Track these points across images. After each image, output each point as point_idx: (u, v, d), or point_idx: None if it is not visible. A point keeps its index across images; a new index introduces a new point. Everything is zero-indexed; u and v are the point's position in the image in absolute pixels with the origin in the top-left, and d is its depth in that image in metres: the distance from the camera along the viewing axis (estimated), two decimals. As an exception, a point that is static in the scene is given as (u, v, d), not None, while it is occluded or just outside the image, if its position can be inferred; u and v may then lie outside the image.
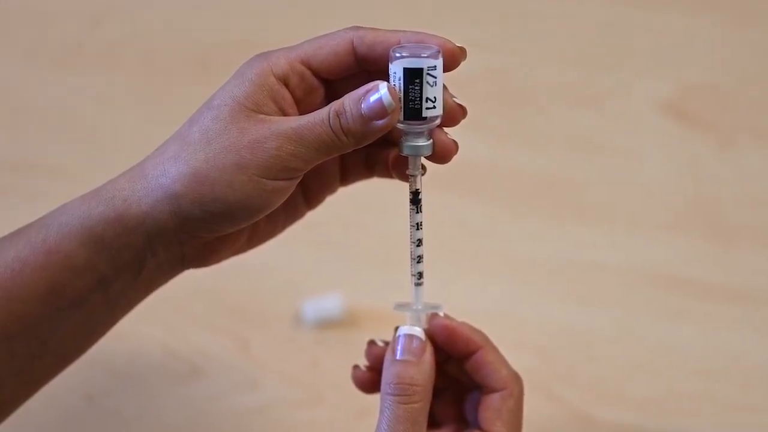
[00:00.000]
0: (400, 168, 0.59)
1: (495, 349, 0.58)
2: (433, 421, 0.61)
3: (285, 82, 0.55)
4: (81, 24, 1.07)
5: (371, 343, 0.60)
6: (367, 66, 0.55)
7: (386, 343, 0.59)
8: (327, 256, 0.87)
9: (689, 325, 0.83)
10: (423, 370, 0.55)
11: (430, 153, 0.55)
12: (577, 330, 0.83)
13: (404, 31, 0.54)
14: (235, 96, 0.54)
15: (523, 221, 0.90)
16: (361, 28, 0.55)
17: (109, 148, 0.95)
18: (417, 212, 0.57)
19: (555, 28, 1.07)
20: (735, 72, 1.03)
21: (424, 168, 0.57)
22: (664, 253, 0.88)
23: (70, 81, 1.02)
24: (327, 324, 0.82)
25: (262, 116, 0.53)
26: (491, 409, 0.56)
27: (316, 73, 0.55)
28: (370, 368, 0.60)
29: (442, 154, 0.56)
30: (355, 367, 0.60)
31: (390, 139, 0.59)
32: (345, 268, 0.87)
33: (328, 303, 0.83)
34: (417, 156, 0.55)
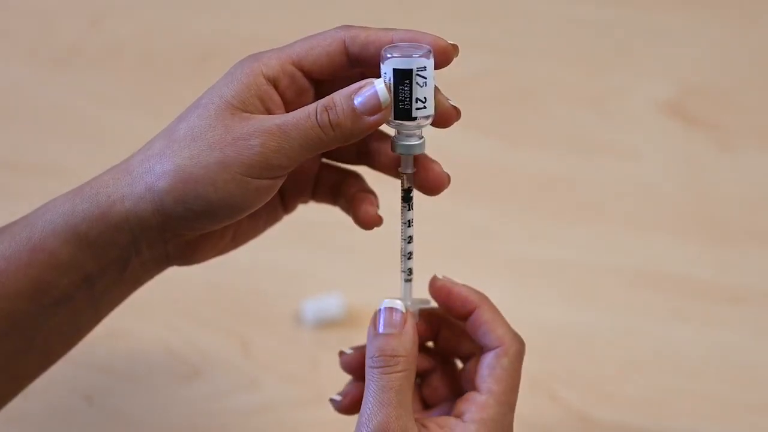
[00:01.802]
0: (358, 206, 0.60)
1: (493, 309, 0.58)
2: (424, 405, 0.61)
3: (275, 83, 0.55)
4: (81, 24, 1.07)
5: (341, 354, 0.61)
6: (359, 65, 0.55)
7: (355, 350, 0.60)
8: (327, 256, 0.87)
9: (689, 325, 0.83)
10: (405, 341, 0.55)
11: (422, 152, 0.55)
12: (577, 330, 0.83)
13: (396, 29, 0.54)
14: (222, 95, 0.54)
15: (523, 221, 0.90)
16: (352, 27, 0.55)
17: (108, 148, 0.95)
18: (408, 210, 0.57)
19: (555, 28, 1.07)
20: (735, 72, 1.03)
21: (411, 191, 0.57)
22: (664, 253, 0.88)
23: (70, 81, 1.02)
24: (327, 324, 0.82)
25: (247, 114, 0.53)
26: (485, 367, 0.56)
27: (307, 73, 0.55)
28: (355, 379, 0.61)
29: (432, 186, 0.57)
30: (341, 353, 0.61)
31: (356, 187, 0.60)
32: (345, 268, 0.87)
33: (328, 303, 0.83)
34: (409, 155, 0.55)
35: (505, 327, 0.57)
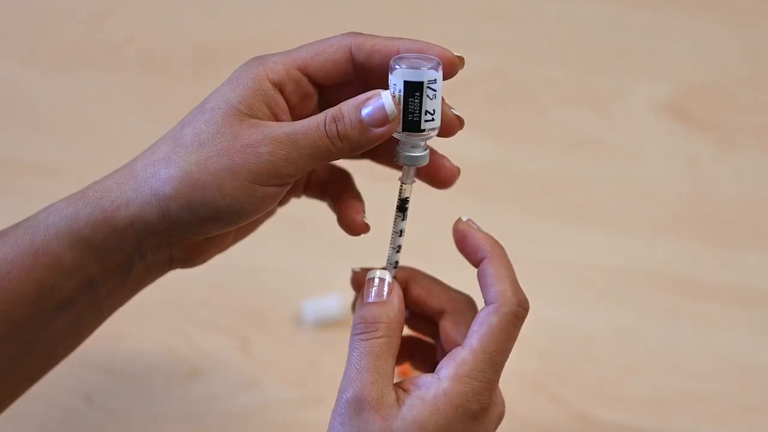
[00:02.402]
0: (345, 211, 0.59)
1: (500, 264, 0.56)
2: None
3: (280, 88, 0.54)
4: (81, 24, 1.07)
5: (354, 272, 0.60)
6: (364, 73, 0.55)
7: (363, 269, 0.59)
8: (327, 256, 0.87)
9: (689, 325, 0.83)
10: (388, 308, 0.55)
11: (425, 163, 0.55)
12: (577, 330, 0.83)
13: (403, 39, 0.54)
14: (228, 100, 0.53)
15: (523, 221, 0.90)
16: (360, 34, 0.55)
17: (109, 148, 0.95)
18: (402, 219, 0.57)
19: (555, 28, 1.07)
20: (735, 72, 1.03)
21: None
22: (663, 253, 0.88)
23: (70, 81, 1.02)
24: (327, 324, 0.82)
25: (255, 120, 0.53)
26: (476, 322, 0.54)
27: (312, 79, 0.55)
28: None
29: (444, 180, 0.57)
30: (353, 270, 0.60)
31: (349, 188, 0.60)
32: (345, 268, 0.87)
33: (328, 303, 0.82)
34: (413, 166, 0.55)
35: (506, 285, 0.55)
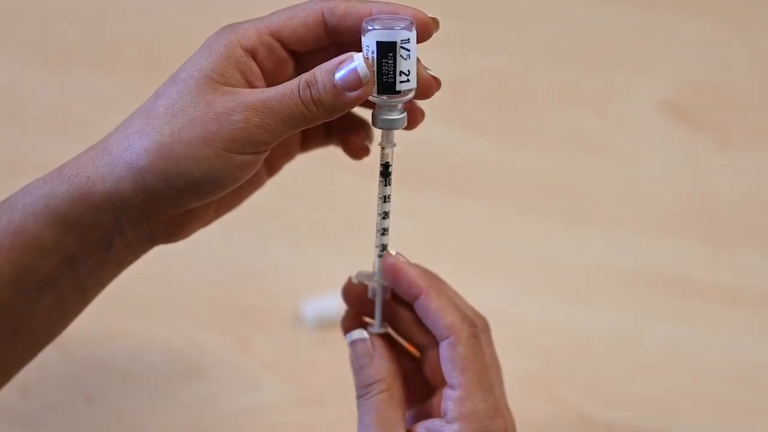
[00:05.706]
0: (346, 136, 0.59)
1: (440, 295, 0.56)
2: (428, 386, 0.60)
3: (253, 54, 0.54)
4: (81, 24, 1.07)
5: (349, 281, 0.60)
6: (337, 38, 0.54)
7: (360, 282, 0.60)
8: (327, 256, 0.87)
9: (689, 326, 0.83)
10: (378, 365, 0.56)
11: (404, 126, 0.54)
12: (578, 330, 0.83)
13: (375, 1, 0.54)
14: (201, 68, 0.53)
15: (523, 221, 0.90)
16: None
17: (109, 148, 0.95)
18: (386, 185, 0.57)
19: (555, 28, 1.07)
20: (735, 72, 1.03)
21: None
22: (664, 253, 0.88)
23: (70, 81, 1.02)
24: (327, 324, 0.82)
25: (229, 88, 0.53)
26: (445, 361, 0.55)
27: (285, 45, 0.55)
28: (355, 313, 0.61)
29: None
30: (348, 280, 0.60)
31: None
32: (345, 268, 0.87)
33: (328, 303, 0.82)
34: (391, 129, 0.55)
35: (453, 313, 0.56)
